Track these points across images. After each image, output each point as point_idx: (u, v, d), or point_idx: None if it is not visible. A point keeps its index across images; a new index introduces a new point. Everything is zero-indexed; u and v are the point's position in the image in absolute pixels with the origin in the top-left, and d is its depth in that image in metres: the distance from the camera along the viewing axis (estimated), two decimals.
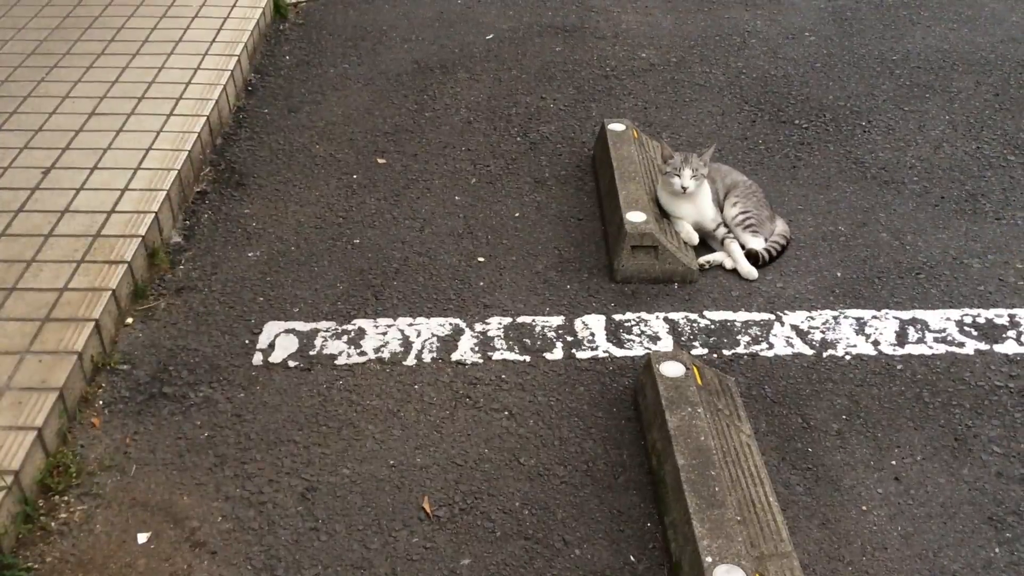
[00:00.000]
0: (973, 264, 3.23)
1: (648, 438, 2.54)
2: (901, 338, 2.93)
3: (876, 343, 2.91)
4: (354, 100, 4.26)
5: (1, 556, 2.20)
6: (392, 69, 4.52)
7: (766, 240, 3.25)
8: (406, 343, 2.91)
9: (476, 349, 2.89)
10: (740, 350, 2.89)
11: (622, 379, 2.79)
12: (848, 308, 3.05)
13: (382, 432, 2.61)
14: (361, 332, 2.95)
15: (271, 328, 2.96)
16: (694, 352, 2.88)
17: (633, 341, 2.92)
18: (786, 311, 3.04)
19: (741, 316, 3.02)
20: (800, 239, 3.35)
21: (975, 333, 2.94)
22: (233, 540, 2.31)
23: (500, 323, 2.99)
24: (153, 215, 3.19)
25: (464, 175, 3.74)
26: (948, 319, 3.00)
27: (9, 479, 2.26)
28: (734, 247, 3.20)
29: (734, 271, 3.19)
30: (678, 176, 3.14)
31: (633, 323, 2.99)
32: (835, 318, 3.01)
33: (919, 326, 2.97)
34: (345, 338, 2.92)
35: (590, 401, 2.71)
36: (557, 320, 3.01)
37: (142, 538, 2.31)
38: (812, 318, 3.01)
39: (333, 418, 2.65)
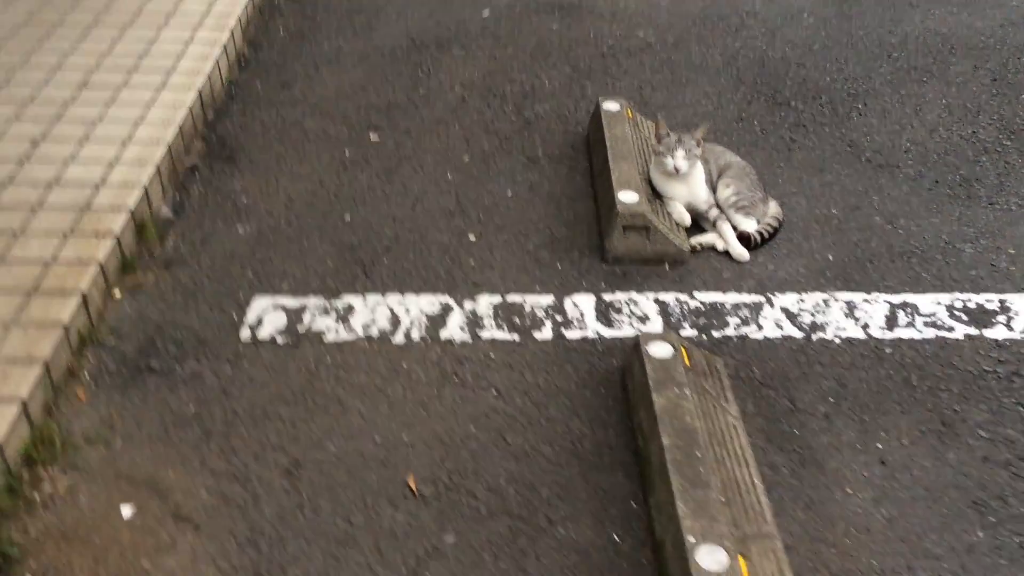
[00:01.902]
0: (965, 249, 3.22)
1: (635, 418, 2.53)
2: (891, 322, 2.92)
3: (866, 326, 2.90)
4: (348, 75, 4.22)
5: None
6: (387, 45, 4.49)
7: (758, 222, 3.23)
8: (395, 320, 2.90)
9: (465, 327, 2.88)
10: (729, 332, 2.88)
11: (611, 359, 2.78)
12: (839, 291, 3.04)
13: (369, 409, 2.60)
14: (350, 309, 2.94)
15: (259, 303, 2.95)
16: (683, 333, 2.87)
17: (623, 321, 2.92)
18: (776, 293, 3.03)
19: (731, 298, 3.01)
20: (793, 221, 3.34)
21: (965, 318, 2.94)
22: (217, 514, 2.30)
23: (490, 302, 2.98)
24: (142, 188, 3.17)
25: (457, 153, 3.71)
26: (939, 303, 2.99)
27: None
28: (726, 228, 3.19)
29: (726, 253, 3.18)
30: (671, 156, 3.12)
31: (623, 303, 2.98)
32: (825, 301, 3.00)
33: (909, 310, 2.97)
34: (334, 315, 2.91)
35: (578, 381, 2.71)
36: (547, 299, 3.00)
37: (126, 511, 2.31)
38: (802, 301, 3.00)
39: (320, 394, 2.64)
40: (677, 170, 3.13)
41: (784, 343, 2.85)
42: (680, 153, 3.11)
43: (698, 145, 3.17)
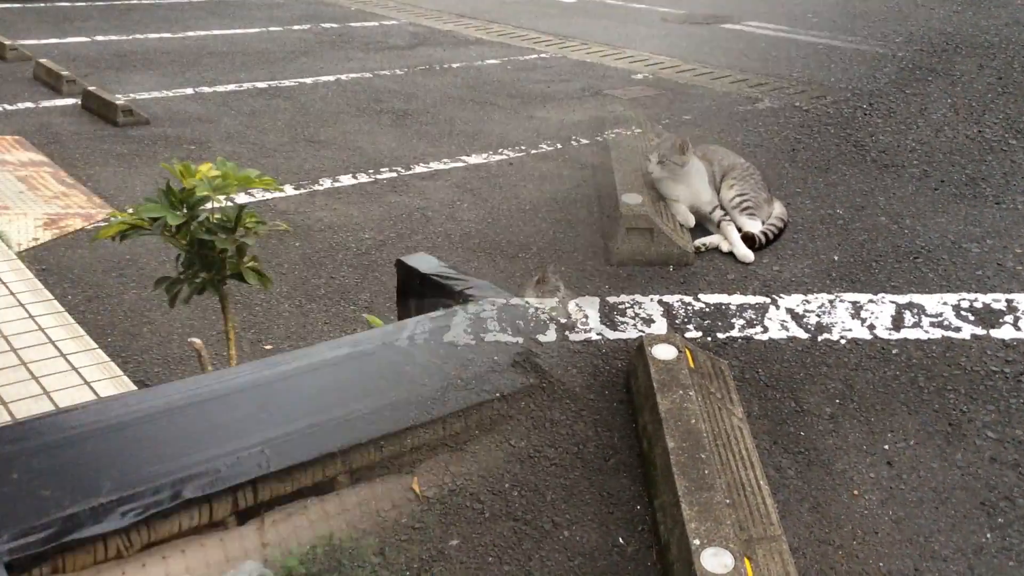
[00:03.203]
0: (972, 248, 3.20)
1: (639, 421, 2.52)
2: (897, 322, 2.90)
3: (872, 327, 2.89)
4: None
5: None
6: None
7: (763, 223, 3.22)
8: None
9: (469, 330, 2.87)
10: (734, 333, 2.87)
11: (615, 362, 2.77)
12: (844, 292, 3.03)
13: None
14: None
15: None
16: (688, 335, 2.86)
17: (627, 323, 2.90)
18: (782, 294, 3.02)
19: (736, 299, 3.00)
20: (798, 222, 3.33)
21: (972, 318, 2.92)
22: None
23: (494, 304, 2.97)
24: None
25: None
26: (945, 303, 2.98)
27: None
28: (730, 230, 3.18)
29: (730, 254, 3.17)
30: (648, 161, 3.16)
31: (627, 305, 2.97)
32: (831, 302, 2.98)
33: (916, 310, 2.95)
34: None
35: (582, 383, 2.70)
36: (551, 301, 2.98)
37: None
38: (808, 302, 2.99)
39: None
40: (651, 174, 3.17)
41: (790, 344, 2.83)
42: (654, 157, 3.15)
43: (682, 152, 3.15)
